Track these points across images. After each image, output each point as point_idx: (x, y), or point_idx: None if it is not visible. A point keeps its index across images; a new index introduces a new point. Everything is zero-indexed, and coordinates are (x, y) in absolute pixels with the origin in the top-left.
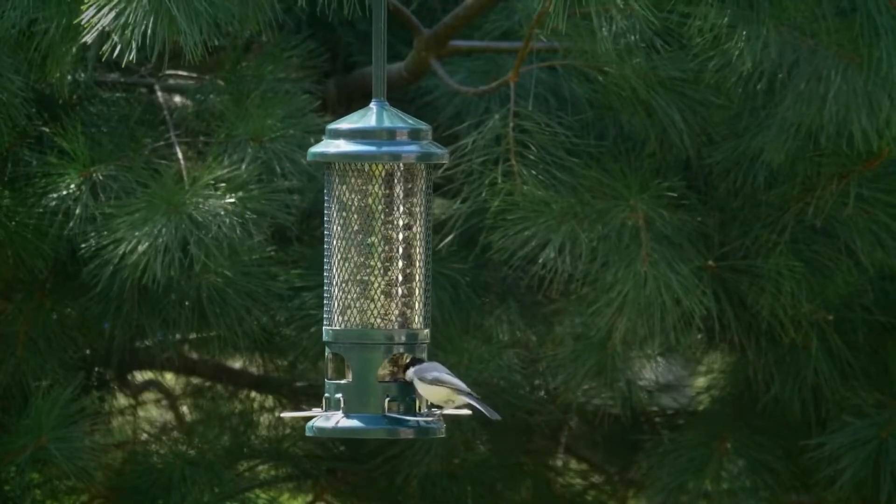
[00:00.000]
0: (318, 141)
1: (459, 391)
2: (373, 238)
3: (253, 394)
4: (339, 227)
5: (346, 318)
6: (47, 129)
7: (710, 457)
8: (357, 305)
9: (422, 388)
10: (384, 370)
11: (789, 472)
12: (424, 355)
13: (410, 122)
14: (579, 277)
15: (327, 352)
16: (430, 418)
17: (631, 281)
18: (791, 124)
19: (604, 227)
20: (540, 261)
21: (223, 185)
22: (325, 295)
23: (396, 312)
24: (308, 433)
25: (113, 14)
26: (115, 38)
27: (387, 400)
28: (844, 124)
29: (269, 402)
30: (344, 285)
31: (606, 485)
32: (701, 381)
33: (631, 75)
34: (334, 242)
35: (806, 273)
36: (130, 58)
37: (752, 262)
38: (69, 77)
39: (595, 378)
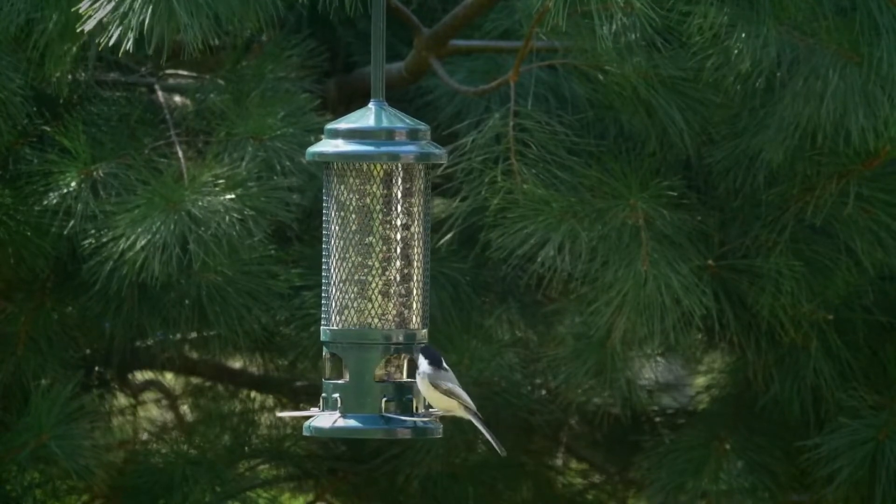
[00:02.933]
0: (318, 140)
1: (468, 409)
2: (371, 238)
3: (253, 393)
4: (337, 227)
5: (343, 317)
6: (48, 128)
7: (708, 457)
8: (355, 305)
9: (430, 392)
10: (381, 370)
11: (787, 472)
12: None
13: (409, 122)
14: (579, 277)
15: (325, 351)
16: (426, 419)
17: (631, 280)
18: (790, 123)
19: (604, 227)
20: (539, 259)
21: (222, 182)
22: (324, 294)
23: (394, 312)
24: (305, 433)
25: (112, 4)
26: (113, 30)
27: (384, 400)
28: (842, 122)
29: (270, 401)
30: (342, 285)
31: (607, 484)
32: (701, 381)
33: (631, 74)
34: (332, 242)
35: (806, 273)
36: (128, 47)
37: (751, 261)
38: (70, 77)
39: (595, 377)
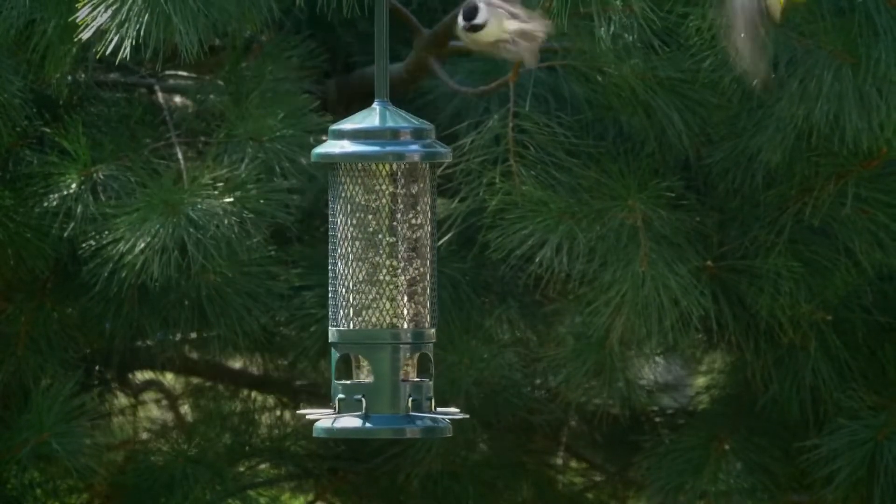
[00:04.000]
0: (318, 141)
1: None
2: (378, 237)
3: (253, 393)
4: (343, 228)
5: (353, 318)
6: (48, 130)
7: (708, 457)
8: (366, 305)
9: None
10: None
11: (787, 473)
12: (431, 354)
13: (414, 121)
14: (577, 277)
15: (333, 353)
16: (441, 417)
17: (629, 281)
18: (787, 124)
19: (602, 227)
20: (537, 260)
21: (221, 185)
22: (331, 296)
23: (403, 311)
24: (315, 434)
25: (109, 12)
26: (111, 37)
27: (409, 399)
28: (837, 123)
29: (270, 401)
30: (351, 286)
31: (607, 484)
32: (700, 381)
33: (629, 75)
34: (340, 243)
35: (804, 273)
36: (125, 55)
37: (750, 262)
38: (69, 78)
39: (595, 377)
